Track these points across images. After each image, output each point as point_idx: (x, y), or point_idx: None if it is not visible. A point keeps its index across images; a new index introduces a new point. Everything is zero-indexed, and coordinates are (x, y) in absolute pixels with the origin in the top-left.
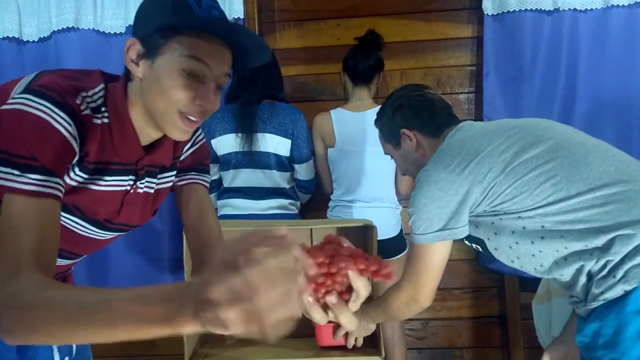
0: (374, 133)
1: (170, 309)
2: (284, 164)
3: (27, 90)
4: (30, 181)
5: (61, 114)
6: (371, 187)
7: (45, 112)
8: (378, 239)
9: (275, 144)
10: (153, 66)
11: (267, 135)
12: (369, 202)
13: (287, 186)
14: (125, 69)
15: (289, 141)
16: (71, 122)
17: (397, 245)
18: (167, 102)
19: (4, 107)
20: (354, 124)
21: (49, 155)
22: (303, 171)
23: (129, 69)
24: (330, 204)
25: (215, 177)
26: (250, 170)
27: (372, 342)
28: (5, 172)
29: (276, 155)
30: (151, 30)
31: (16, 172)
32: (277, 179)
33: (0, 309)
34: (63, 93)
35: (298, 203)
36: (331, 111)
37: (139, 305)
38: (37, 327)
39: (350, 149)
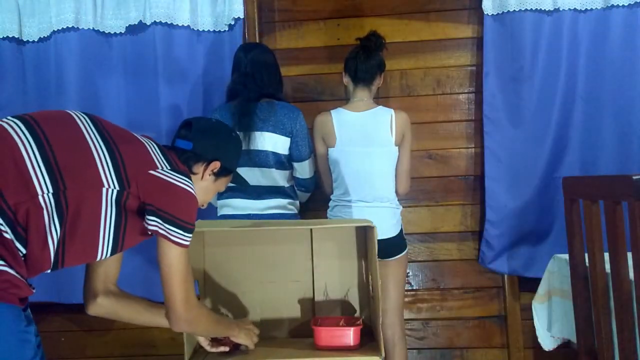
0: (374, 133)
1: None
2: (283, 163)
3: (183, 173)
4: (189, 239)
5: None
6: (371, 187)
7: (195, 194)
8: (378, 238)
9: (273, 142)
10: (215, 180)
11: (266, 133)
12: (369, 202)
13: (286, 185)
14: (187, 163)
15: (288, 139)
16: None
17: (396, 245)
18: (205, 199)
19: (178, 184)
20: (355, 124)
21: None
22: (302, 169)
23: (196, 171)
24: (331, 203)
25: None
26: (248, 169)
27: (372, 342)
28: (180, 234)
29: (275, 153)
30: (229, 167)
31: (186, 235)
32: (276, 177)
33: (194, 324)
34: None
35: (297, 202)
36: (332, 111)
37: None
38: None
39: (351, 149)
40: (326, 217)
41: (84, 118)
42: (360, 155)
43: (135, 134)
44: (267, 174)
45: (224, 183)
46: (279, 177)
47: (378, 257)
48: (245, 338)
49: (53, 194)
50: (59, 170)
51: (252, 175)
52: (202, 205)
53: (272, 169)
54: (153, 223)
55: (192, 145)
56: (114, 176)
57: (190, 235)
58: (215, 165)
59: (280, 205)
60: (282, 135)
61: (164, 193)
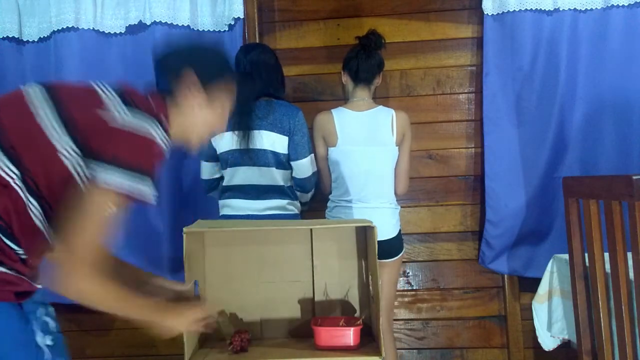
0: (376, 132)
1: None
2: (282, 162)
3: (151, 119)
4: (134, 189)
5: (168, 142)
6: (372, 187)
7: (152, 136)
8: (378, 239)
9: (271, 141)
10: (209, 100)
11: (264, 132)
12: (368, 202)
13: (286, 185)
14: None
15: (286, 138)
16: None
17: (395, 246)
18: (206, 129)
19: (136, 131)
20: (357, 124)
21: (157, 173)
22: (299, 169)
23: (180, 101)
24: (330, 204)
25: (217, 175)
26: (248, 168)
27: (372, 342)
28: (121, 177)
29: (273, 152)
30: (210, 73)
31: (129, 181)
32: (276, 176)
33: (88, 292)
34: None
35: (297, 202)
36: (332, 110)
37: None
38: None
39: (353, 149)
40: (325, 218)
41: (36, 89)
42: (361, 154)
43: (94, 85)
44: (266, 173)
45: (222, 100)
46: (278, 177)
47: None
48: (183, 326)
49: (20, 179)
50: (16, 152)
51: (251, 174)
52: (207, 138)
53: (272, 168)
54: (95, 169)
55: (157, 77)
56: (69, 140)
57: (138, 184)
58: (189, 76)
59: (279, 205)
60: (280, 134)
61: (111, 140)
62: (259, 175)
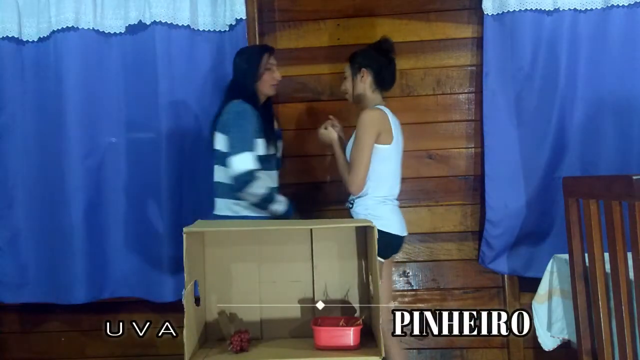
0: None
1: None
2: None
3: None
4: None
5: None
6: (399, 186)
7: None
8: (404, 235)
9: (219, 140)
10: None
11: (216, 133)
12: (397, 201)
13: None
14: None
15: (225, 136)
16: None
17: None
18: None
19: None
20: (397, 124)
21: None
22: (228, 166)
23: None
24: (369, 201)
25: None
26: (214, 168)
27: (372, 342)
28: None
29: (221, 152)
30: None
31: None
32: (222, 175)
33: None
34: None
35: (246, 203)
36: (382, 108)
37: None
38: None
39: (399, 148)
40: (324, 217)
41: None
42: (400, 154)
43: None
44: (217, 172)
45: None
46: (224, 175)
47: (393, 254)
48: None
49: None
50: None
51: (215, 173)
52: None
53: (222, 166)
54: None
55: None
56: None
57: None
58: None
59: (224, 205)
60: (220, 132)
61: None
62: (215, 173)
